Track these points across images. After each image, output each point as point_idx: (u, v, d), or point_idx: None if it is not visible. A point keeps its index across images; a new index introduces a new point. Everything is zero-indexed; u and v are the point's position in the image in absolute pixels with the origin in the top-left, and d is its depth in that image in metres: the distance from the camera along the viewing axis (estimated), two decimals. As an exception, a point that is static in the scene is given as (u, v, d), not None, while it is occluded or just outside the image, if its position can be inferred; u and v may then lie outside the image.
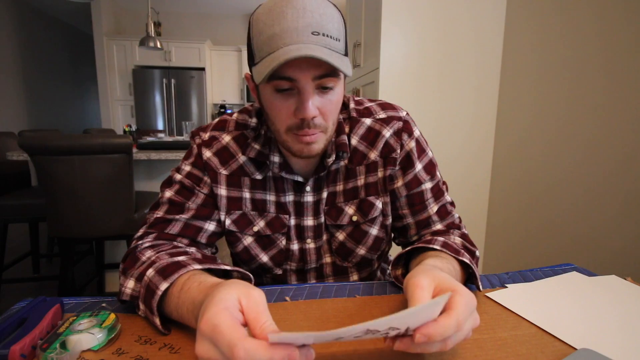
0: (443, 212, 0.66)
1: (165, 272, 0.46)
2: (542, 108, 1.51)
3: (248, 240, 0.65)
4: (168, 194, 0.62)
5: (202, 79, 4.82)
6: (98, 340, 0.40)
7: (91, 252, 2.51)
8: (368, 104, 0.67)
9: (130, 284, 0.49)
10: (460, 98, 1.76)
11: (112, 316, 0.44)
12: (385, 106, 0.67)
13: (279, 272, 0.68)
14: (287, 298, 0.54)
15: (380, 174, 0.64)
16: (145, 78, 4.69)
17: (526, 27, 1.61)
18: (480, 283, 0.54)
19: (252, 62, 0.53)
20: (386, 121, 0.65)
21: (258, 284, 0.60)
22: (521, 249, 1.65)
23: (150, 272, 0.48)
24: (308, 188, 0.64)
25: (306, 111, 0.50)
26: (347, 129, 0.64)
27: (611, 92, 1.21)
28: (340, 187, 0.65)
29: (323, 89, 0.52)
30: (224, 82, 5.16)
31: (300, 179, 0.62)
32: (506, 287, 0.57)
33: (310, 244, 0.66)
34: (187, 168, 0.63)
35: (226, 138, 0.63)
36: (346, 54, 0.53)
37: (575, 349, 0.41)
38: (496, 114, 1.80)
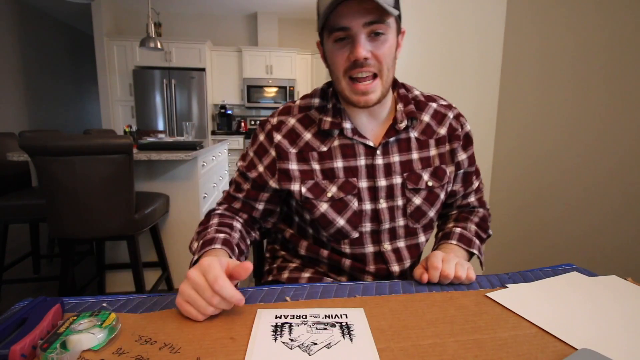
0: (478, 189, 0.82)
1: (203, 246, 0.61)
2: (542, 107, 1.51)
3: (324, 207, 0.70)
4: (237, 174, 0.76)
5: (203, 80, 4.82)
6: (98, 340, 0.40)
7: (91, 252, 2.51)
8: (428, 94, 0.79)
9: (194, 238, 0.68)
10: (461, 97, 1.75)
11: (113, 316, 0.44)
12: (441, 97, 0.80)
13: (356, 234, 0.71)
14: (288, 298, 0.54)
15: (448, 147, 0.75)
16: (145, 78, 4.69)
17: (527, 26, 1.61)
18: (482, 266, 0.70)
19: (319, 25, 0.63)
20: (448, 107, 0.77)
21: (338, 252, 0.74)
22: (521, 249, 1.65)
23: (200, 240, 0.63)
24: (378, 152, 0.70)
25: (357, 52, 0.59)
26: (413, 107, 0.73)
27: (611, 91, 1.21)
28: (415, 156, 0.73)
29: (375, 35, 0.60)
30: (224, 82, 5.16)
31: (371, 143, 0.70)
32: (506, 287, 0.57)
33: (383, 204, 0.71)
34: (250, 154, 0.74)
35: (292, 120, 0.72)
36: (396, 7, 0.62)
37: (576, 349, 0.41)
38: (496, 113, 1.80)
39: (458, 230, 0.74)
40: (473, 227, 0.76)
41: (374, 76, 0.63)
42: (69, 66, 5.72)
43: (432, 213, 0.74)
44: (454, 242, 0.71)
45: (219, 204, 0.76)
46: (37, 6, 4.86)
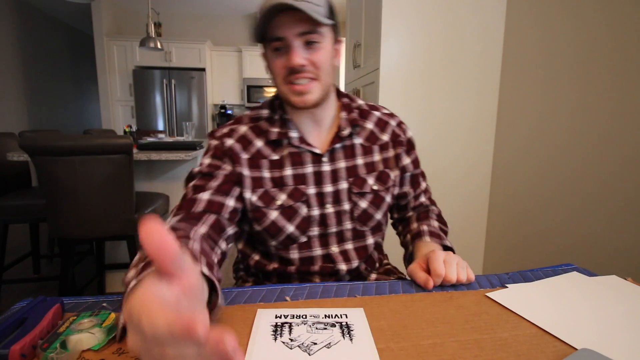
0: (426, 189, 0.87)
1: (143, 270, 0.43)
2: (541, 108, 1.51)
3: (273, 214, 0.71)
4: (191, 184, 0.68)
5: (203, 80, 4.82)
6: (98, 340, 0.40)
7: (91, 252, 2.51)
8: (371, 103, 0.83)
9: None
10: (461, 99, 1.76)
11: (113, 316, 0.44)
12: (384, 107, 0.84)
13: (304, 239, 0.74)
14: (288, 298, 0.54)
15: (391, 152, 0.79)
16: (145, 78, 4.69)
17: (527, 26, 1.61)
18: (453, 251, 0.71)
19: (258, 37, 0.66)
20: (390, 115, 0.82)
21: (284, 260, 0.74)
22: (521, 249, 1.65)
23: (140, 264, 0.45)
24: (325, 159, 0.73)
25: (292, 59, 0.63)
26: (356, 115, 0.77)
27: (613, 92, 1.21)
28: (360, 161, 0.76)
29: (310, 44, 0.64)
30: (224, 82, 5.16)
31: (317, 150, 0.72)
32: (506, 287, 0.57)
33: (330, 209, 0.74)
34: (206, 161, 0.71)
35: (243, 129, 0.74)
36: (330, 17, 0.66)
37: (576, 349, 0.41)
38: (496, 114, 1.80)
39: (425, 227, 0.77)
40: (436, 223, 0.80)
41: (312, 80, 0.66)
42: (69, 66, 5.72)
43: (378, 216, 0.77)
44: (428, 239, 0.74)
45: (170, 219, 0.60)
46: (37, 6, 4.86)
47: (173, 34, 5.07)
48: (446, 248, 0.73)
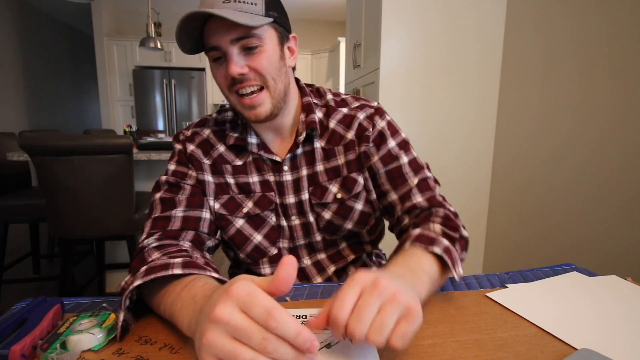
0: (424, 186, 0.66)
1: (148, 273, 0.46)
2: (541, 108, 1.51)
3: (239, 222, 0.67)
4: (158, 195, 0.64)
5: (203, 80, 4.82)
6: (98, 341, 0.40)
7: (91, 252, 2.51)
8: (344, 97, 0.73)
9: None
10: (461, 98, 1.76)
11: (113, 316, 0.44)
12: (359, 99, 0.72)
13: (274, 251, 0.70)
14: (288, 298, 0.54)
15: (357, 151, 0.68)
16: (145, 78, 4.69)
17: (527, 26, 1.61)
18: (459, 269, 0.51)
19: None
20: (360, 107, 0.70)
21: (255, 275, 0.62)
22: (521, 249, 1.65)
23: (144, 265, 0.49)
24: (285, 167, 0.67)
25: (230, 70, 0.57)
26: (321, 114, 0.69)
27: (613, 92, 1.21)
28: (321, 167, 0.68)
29: (249, 50, 0.57)
30: (224, 82, 5.16)
31: (277, 158, 0.67)
32: (506, 287, 0.57)
33: (295, 221, 0.69)
34: (172, 167, 0.67)
35: (206, 132, 0.69)
36: (270, 14, 0.58)
37: (576, 349, 0.41)
38: (496, 114, 1.80)
39: (417, 231, 0.55)
40: (437, 227, 0.57)
41: (261, 88, 0.60)
42: (69, 66, 5.71)
43: (349, 225, 0.69)
44: (407, 245, 0.52)
45: (146, 237, 0.59)
46: (37, 6, 4.86)
47: (173, 34, 5.05)
48: (442, 260, 0.51)
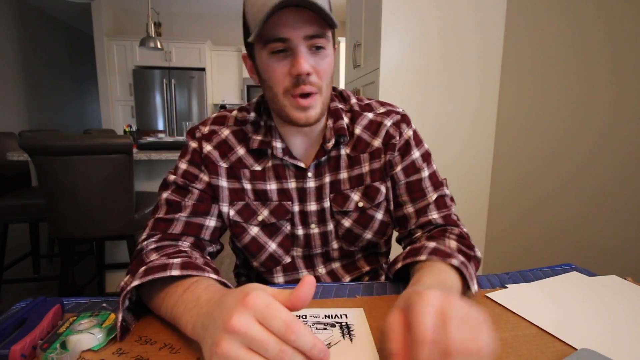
0: (441, 203, 0.66)
1: (147, 273, 0.47)
2: (541, 107, 1.51)
3: (254, 230, 0.66)
4: (165, 195, 0.62)
5: (203, 79, 4.82)
6: (98, 340, 0.40)
7: (91, 252, 2.51)
8: (368, 101, 0.71)
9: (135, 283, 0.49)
10: (461, 98, 1.76)
11: (113, 316, 0.44)
12: (384, 104, 0.71)
13: (288, 259, 0.69)
14: (287, 298, 0.54)
15: (382, 160, 0.66)
16: (145, 78, 4.69)
17: (527, 26, 1.61)
18: (474, 285, 0.51)
19: (247, 36, 0.55)
20: (386, 114, 0.68)
21: (267, 283, 0.63)
22: (521, 249, 1.65)
23: (143, 266, 0.49)
24: (309, 174, 0.65)
25: (300, 66, 0.52)
26: (347, 120, 0.67)
27: (613, 92, 1.21)
28: (344, 175, 0.66)
29: (315, 49, 0.54)
30: (224, 82, 5.16)
31: (302, 164, 0.64)
32: (506, 287, 0.57)
33: (315, 229, 0.67)
34: (182, 166, 0.64)
35: (225, 132, 0.65)
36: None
37: (576, 349, 0.41)
38: (496, 113, 1.80)
39: (433, 244, 0.55)
40: (453, 243, 0.57)
41: (314, 93, 0.56)
42: (69, 66, 5.71)
43: (368, 235, 0.68)
44: (424, 257, 0.52)
45: (146, 238, 0.58)
46: (37, 6, 4.85)
47: (173, 34, 5.07)
48: (461, 273, 0.51)
